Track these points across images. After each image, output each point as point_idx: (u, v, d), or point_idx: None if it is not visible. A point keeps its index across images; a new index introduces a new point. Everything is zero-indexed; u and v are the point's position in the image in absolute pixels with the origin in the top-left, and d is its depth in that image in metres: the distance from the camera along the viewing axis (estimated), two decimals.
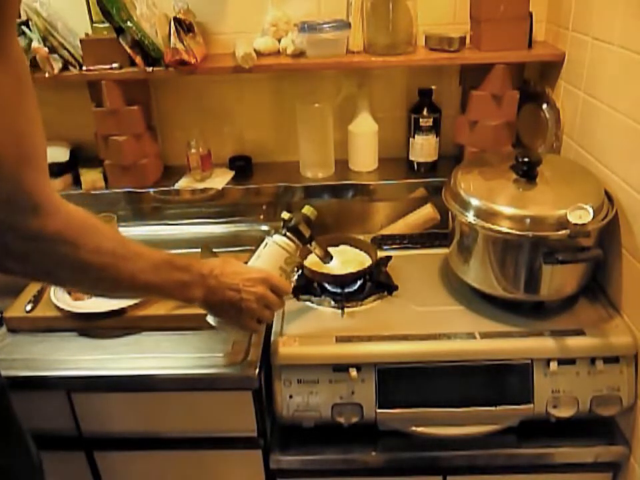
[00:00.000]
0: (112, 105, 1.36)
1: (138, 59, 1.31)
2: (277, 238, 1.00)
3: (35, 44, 1.30)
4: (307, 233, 1.01)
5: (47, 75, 1.31)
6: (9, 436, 0.78)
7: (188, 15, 1.36)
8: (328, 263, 1.10)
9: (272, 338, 1.06)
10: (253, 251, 1.01)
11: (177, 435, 1.10)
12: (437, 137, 1.46)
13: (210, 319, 0.94)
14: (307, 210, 1.04)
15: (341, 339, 1.04)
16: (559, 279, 1.05)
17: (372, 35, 1.34)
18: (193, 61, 1.29)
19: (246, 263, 0.99)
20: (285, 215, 1.03)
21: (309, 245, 1.04)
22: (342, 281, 1.17)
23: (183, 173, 1.52)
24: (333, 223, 1.46)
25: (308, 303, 1.16)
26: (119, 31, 1.29)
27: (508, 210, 1.00)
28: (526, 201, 1.03)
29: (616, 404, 1.02)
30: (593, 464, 1.07)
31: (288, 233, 1.00)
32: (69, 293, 1.17)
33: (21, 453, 0.79)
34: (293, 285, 1.19)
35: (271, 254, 0.99)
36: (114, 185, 1.47)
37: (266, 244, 1.00)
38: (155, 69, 1.33)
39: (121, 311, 1.12)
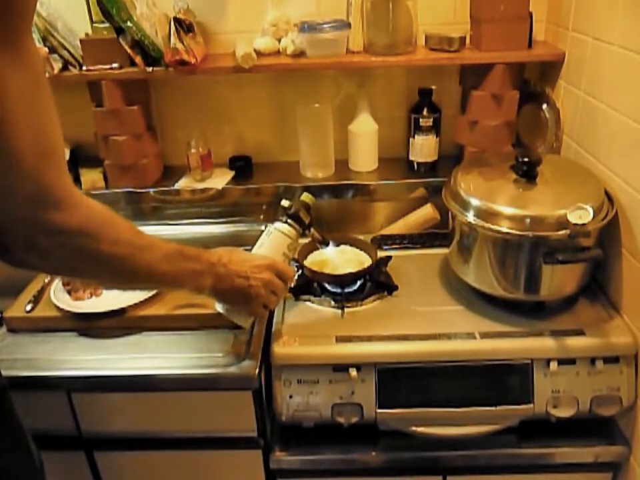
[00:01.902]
0: (112, 105, 1.37)
1: (138, 59, 1.31)
2: (279, 225, 1.03)
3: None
4: (306, 219, 1.05)
5: (47, 75, 1.31)
6: (10, 437, 0.77)
7: (188, 14, 1.36)
8: (324, 248, 1.15)
9: (272, 338, 1.06)
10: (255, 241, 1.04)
11: (177, 435, 1.10)
12: (436, 137, 1.46)
13: (218, 307, 0.97)
14: (306, 197, 1.07)
15: (340, 339, 1.04)
16: (559, 279, 1.05)
17: (372, 34, 1.34)
18: (192, 60, 1.29)
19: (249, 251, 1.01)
20: (285, 202, 1.06)
21: (307, 232, 1.07)
22: (342, 281, 1.17)
23: (182, 173, 1.52)
24: (333, 222, 1.46)
25: (308, 303, 1.16)
26: (119, 31, 1.29)
27: (508, 210, 1.00)
28: (526, 201, 1.03)
29: (616, 404, 1.02)
30: (593, 464, 1.07)
31: (289, 220, 1.03)
32: (69, 293, 1.17)
33: (22, 454, 0.79)
34: (292, 284, 1.19)
35: (274, 241, 1.02)
36: (114, 185, 1.47)
37: (269, 232, 1.03)
38: (155, 68, 1.33)
39: (121, 311, 1.12)
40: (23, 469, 0.79)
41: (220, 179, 1.50)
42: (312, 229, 1.08)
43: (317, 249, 1.24)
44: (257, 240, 1.04)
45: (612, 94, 1.08)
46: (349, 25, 1.34)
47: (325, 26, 1.31)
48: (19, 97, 0.57)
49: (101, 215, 0.68)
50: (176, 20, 1.29)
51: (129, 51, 1.31)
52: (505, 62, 1.31)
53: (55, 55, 1.34)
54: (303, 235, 1.07)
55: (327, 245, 1.14)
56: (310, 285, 1.19)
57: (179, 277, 0.82)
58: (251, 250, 1.02)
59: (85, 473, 1.14)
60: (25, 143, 0.58)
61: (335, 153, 1.50)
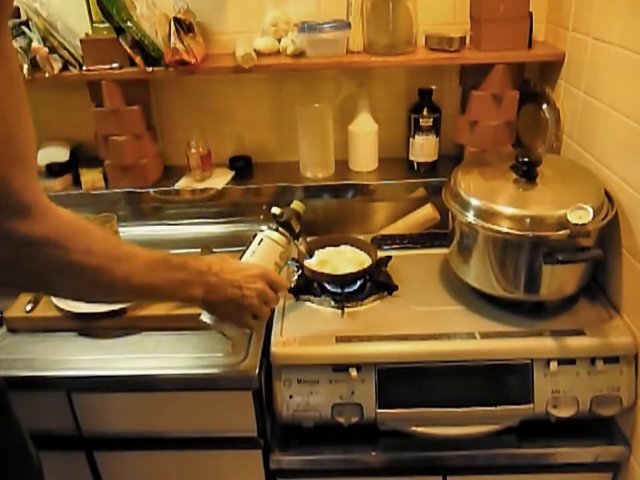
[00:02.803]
0: (112, 105, 1.37)
1: (138, 59, 1.31)
2: (271, 233, 0.99)
3: (34, 44, 1.30)
4: (297, 227, 1.01)
5: (46, 75, 1.31)
6: (8, 438, 0.77)
7: (188, 14, 1.36)
8: (309, 259, 1.11)
9: (272, 338, 1.06)
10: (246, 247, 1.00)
11: (177, 435, 1.10)
12: (436, 136, 1.46)
13: (206, 317, 0.91)
14: (297, 205, 1.03)
15: (341, 339, 1.04)
16: (559, 279, 1.05)
17: (372, 35, 1.34)
18: (192, 60, 1.29)
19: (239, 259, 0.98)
20: (276, 210, 1.02)
21: (296, 241, 1.04)
22: (342, 280, 1.17)
23: (182, 173, 1.52)
24: (333, 222, 1.46)
25: (308, 303, 1.16)
26: (119, 31, 1.29)
27: (508, 210, 1.00)
28: (526, 201, 1.03)
29: (616, 404, 1.02)
30: (593, 464, 1.07)
31: (280, 228, 1.00)
32: None
33: (21, 456, 0.79)
34: (292, 284, 1.19)
35: (266, 250, 0.98)
36: (114, 185, 1.47)
37: (260, 240, 0.99)
38: (155, 68, 1.33)
39: (121, 311, 1.12)
40: (21, 470, 0.79)
41: (220, 179, 1.50)
42: (301, 239, 1.04)
43: (317, 248, 1.24)
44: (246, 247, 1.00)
45: (612, 94, 1.08)
46: (349, 25, 1.34)
47: (324, 26, 1.31)
48: None
49: (71, 225, 0.64)
50: (176, 20, 1.29)
51: (129, 50, 1.31)
52: (505, 62, 1.31)
53: (55, 55, 1.33)
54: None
55: (312, 256, 1.09)
56: (310, 285, 1.19)
57: (164, 288, 0.77)
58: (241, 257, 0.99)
59: (85, 473, 1.15)
60: None
61: (335, 153, 1.50)
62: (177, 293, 0.80)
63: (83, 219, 0.67)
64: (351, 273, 1.16)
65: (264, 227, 1.02)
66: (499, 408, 1.02)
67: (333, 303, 1.14)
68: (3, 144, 0.55)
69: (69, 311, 1.12)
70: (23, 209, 0.58)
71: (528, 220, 0.99)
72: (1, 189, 0.56)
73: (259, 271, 0.90)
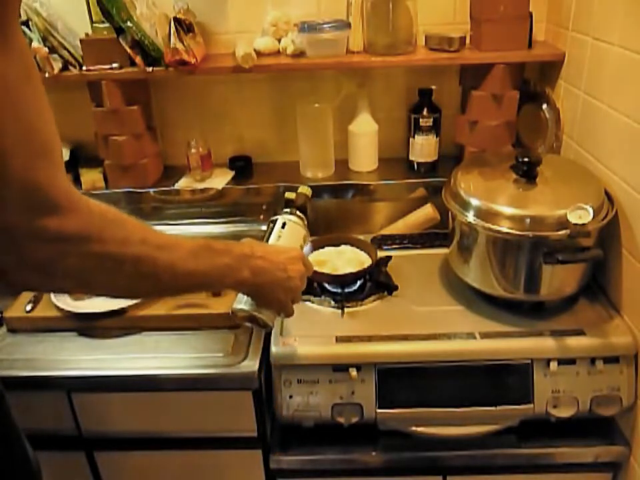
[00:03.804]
0: (112, 104, 1.37)
1: (138, 59, 1.32)
2: (291, 217, 0.98)
3: (35, 44, 1.30)
4: (308, 211, 1.01)
5: (46, 75, 1.31)
6: (7, 442, 0.77)
7: (188, 14, 1.36)
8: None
9: (272, 338, 1.06)
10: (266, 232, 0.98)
11: (177, 435, 1.10)
12: (436, 137, 1.46)
13: (246, 305, 0.87)
14: (305, 189, 1.04)
15: (341, 339, 1.04)
16: (559, 279, 1.05)
17: (372, 35, 1.34)
18: (192, 60, 1.29)
19: None
20: (291, 194, 1.02)
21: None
22: (342, 281, 1.17)
23: (182, 173, 1.52)
24: (332, 222, 1.46)
25: (308, 303, 1.16)
26: (119, 31, 1.29)
27: (508, 210, 1.00)
28: (526, 201, 1.03)
29: (616, 404, 1.02)
30: (593, 464, 1.07)
31: (298, 212, 0.99)
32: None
33: (20, 459, 0.78)
34: None
35: (292, 233, 0.97)
36: (114, 185, 1.47)
37: (283, 224, 0.97)
38: (155, 68, 1.33)
39: (121, 311, 1.12)
40: (20, 474, 0.79)
41: (220, 179, 1.50)
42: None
43: (317, 248, 1.24)
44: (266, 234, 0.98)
45: (612, 94, 1.08)
46: (349, 25, 1.34)
47: (325, 26, 1.31)
48: (6, 89, 0.51)
49: (103, 216, 0.61)
50: (176, 20, 1.29)
51: (128, 50, 1.31)
52: (505, 62, 1.31)
53: (55, 55, 1.34)
54: None
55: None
56: (310, 284, 1.18)
57: (211, 274, 0.75)
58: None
59: (85, 473, 1.15)
60: (13, 139, 0.51)
61: (335, 153, 1.50)
62: (224, 278, 0.78)
63: (118, 210, 0.64)
64: (351, 273, 1.16)
65: (264, 227, 1.01)
66: (498, 408, 1.02)
67: (332, 302, 1.14)
68: (25, 137, 0.53)
69: (69, 311, 1.12)
70: (51, 205, 0.54)
71: (528, 220, 0.99)
72: (27, 186, 0.53)
73: (298, 253, 0.89)
